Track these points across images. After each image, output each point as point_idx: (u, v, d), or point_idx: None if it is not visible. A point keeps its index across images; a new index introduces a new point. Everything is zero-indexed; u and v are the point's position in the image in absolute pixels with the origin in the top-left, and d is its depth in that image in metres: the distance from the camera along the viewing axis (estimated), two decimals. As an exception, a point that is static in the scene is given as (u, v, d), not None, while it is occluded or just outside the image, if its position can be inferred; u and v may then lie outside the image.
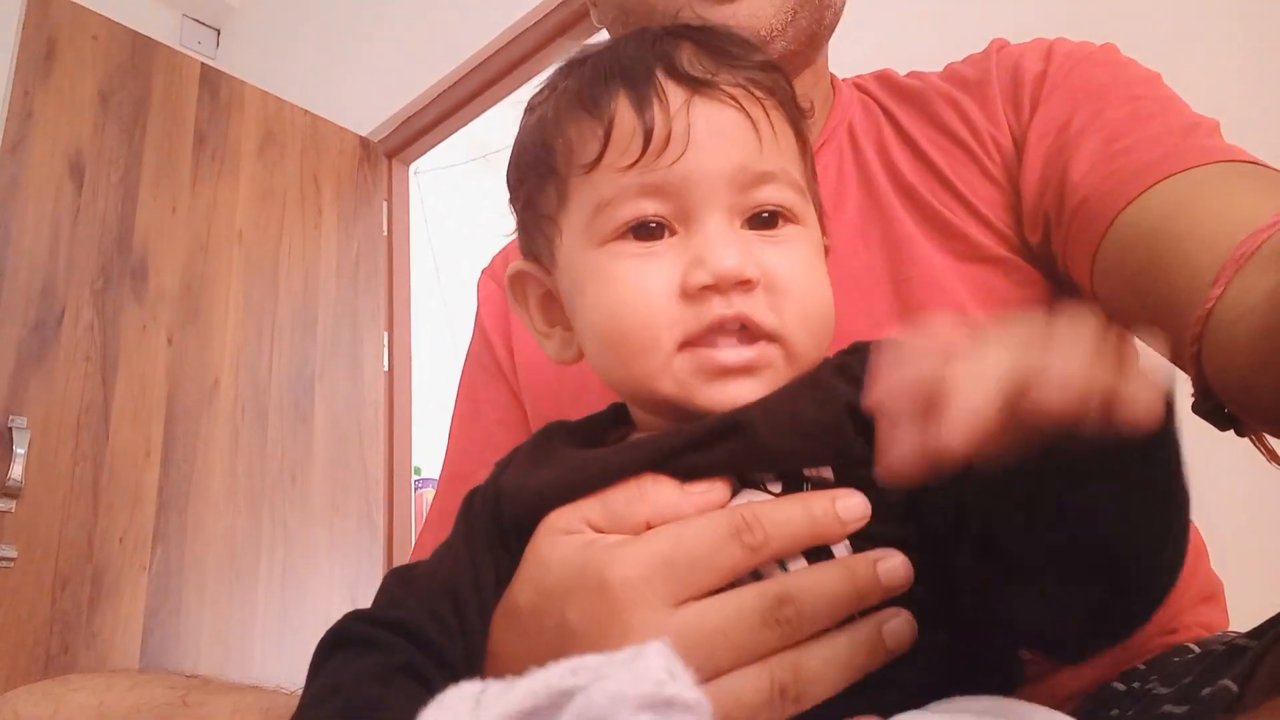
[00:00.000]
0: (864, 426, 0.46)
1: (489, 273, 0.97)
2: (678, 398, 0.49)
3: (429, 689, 0.43)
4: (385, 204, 3.21)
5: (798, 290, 0.49)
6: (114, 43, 2.60)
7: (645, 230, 0.50)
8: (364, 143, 3.18)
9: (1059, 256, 0.68)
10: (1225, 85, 1.37)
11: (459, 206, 4.53)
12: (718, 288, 0.47)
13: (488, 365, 0.91)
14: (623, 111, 0.50)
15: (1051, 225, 0.68)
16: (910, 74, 0.84)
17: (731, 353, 0.48)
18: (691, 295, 0.48)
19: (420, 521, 3.00)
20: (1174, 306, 0.56)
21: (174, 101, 2.69)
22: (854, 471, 0.47)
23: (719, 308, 0.47)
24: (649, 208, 0.50)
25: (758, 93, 0.51)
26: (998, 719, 0.41)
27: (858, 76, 0.86)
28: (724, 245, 0.48)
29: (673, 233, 0.50)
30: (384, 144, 3.22)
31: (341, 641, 0.47)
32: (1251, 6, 1.49)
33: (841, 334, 0.56)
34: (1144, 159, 0.63)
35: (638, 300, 0.49)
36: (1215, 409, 0.54)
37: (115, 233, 2.46)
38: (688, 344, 0.48)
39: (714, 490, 0.47)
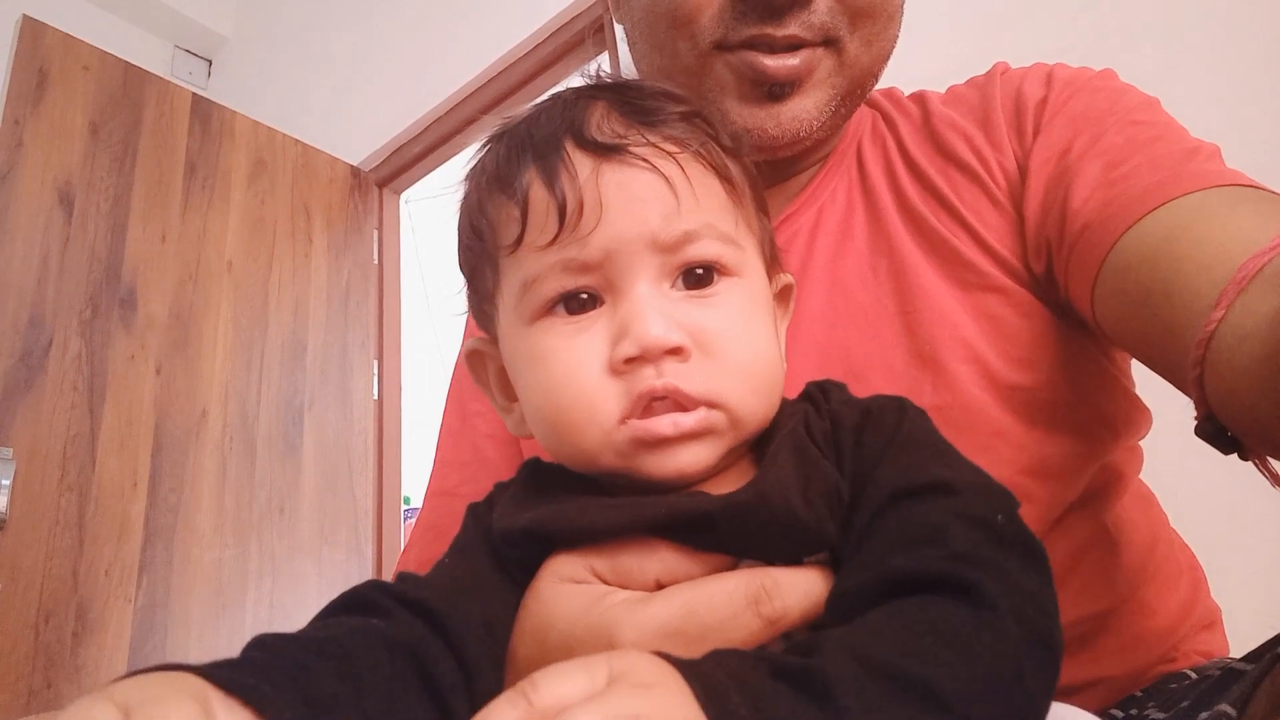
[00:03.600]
0: (841, 507, 0.46)
1: None
2: (622, 469, 0.47)
3: (430, 682, 0.42)
4: (376, 233, 3.21)
5: (733, 351, 0.48)
6: (105, 73, 2.60)
7: (575, 302, 0.49)
8: (355, 172, 3.19)
9: (1060, 283, 0.68)
10: (1223, 110, 1.38)
11: (450, 235, 4.53)
12: (645, 358, 0.46)
13: None
14: (535, 188, 0.49)
15: (1053, 252, 0.68)
16: (912, 96, 0.84)
17: (669, 422, 0.46)
18: (619, 369, 0.46)
19: (410, 552, 2.97)
20: (1175, 330, 0.55)
21: (165, 131, 2.70)
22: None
23: (649, 379, 0.46)
24: (572, 283, 0.48)
25: (671, 148, 0.49)
26: None
27: None
28: (648, 314, 0.46)
29: (601, 303, 0.49)
30: (375, 173, 3.23)
31: (352, 605, 0.45)
32: (1246, 31, 1.50)
33: (851, 366, 0.56)
34: (1144, 184, 0.63)
35: (570, 378, 0.48)
36: (1218, 432, 0.54)
37: (104, 262, 2.45)
38: (625, 417, 0.46)
39: (722, 557, 0.46)
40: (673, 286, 0.49)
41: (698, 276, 0.49)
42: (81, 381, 2.32)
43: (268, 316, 2.79)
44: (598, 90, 0.53)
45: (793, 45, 0.69)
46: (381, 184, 3.25)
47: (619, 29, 0.85)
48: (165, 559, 2.36)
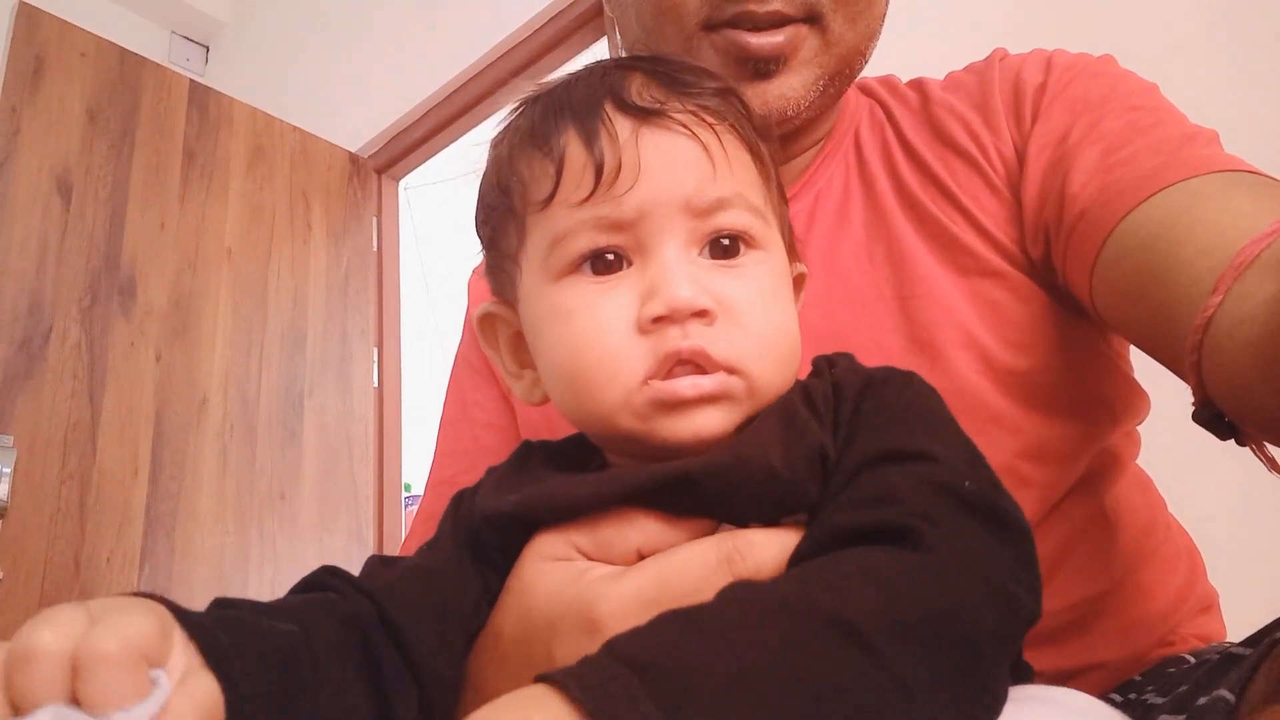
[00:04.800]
0: (827, 467, 0.46)
1: (480, 273, 0.94)
2: (639, 432, 0.47)
3: (370, 654, 0.43)
4: (375, 220, 3.20)
5: (756, 320, 0.48)
6: (102, 60, 2.59)
7: (602, 263, 0.49)
8: (353, 159, 3.18)
9: (1059, 269, 0.68)
10: (1222, 95, 1.38)
11: (449, 222, 4.53)
12: (673, 319, 0.46)
13: (476, 366, 0.90)
14: (572, 146, 0.49)
15: (1051, 237, 0.68)
16: (911, 83, 0.84)
17: (689, 384, 0.46)
18: (647, 328, 0.47)
19: (411, 539, 2.98)
20: (1173, 315, 0.55)
21: (162, 118, 2.69)
22: None
23: (675, 340, 0.46)
24: (603, 240, 0.49)
25: (709, 118, 0.50)
26: (1028, 702, 0.42)
27: (862, 79, 0.85)
28: (678, 276, 0.47)
29: (629, 264, 0.49)
30: (373, 160, 3.22)
31: (309, 585, 0.47)
32: (1246, 18, 1.50)
33: (847, 351, 0.56)
34: (1142, 169, 0.62)
35: (595, 336, 0.48)
36: (1216, 418, 0.54)
37: (103, 250, 2.44)
38: (648, 378, 0.47)
39: (701, 521, 0.47)
40: (700, 254, 0.49)
41: (724, 247, 0.50)
42: (81, 369, 2.32)
43: (267, 304, 2.79)
44: (635, 61, 0.54)
45: (776, 21, 0.69)
46: (380, 170, 3.25)
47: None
48: (166, 546, 2.37)
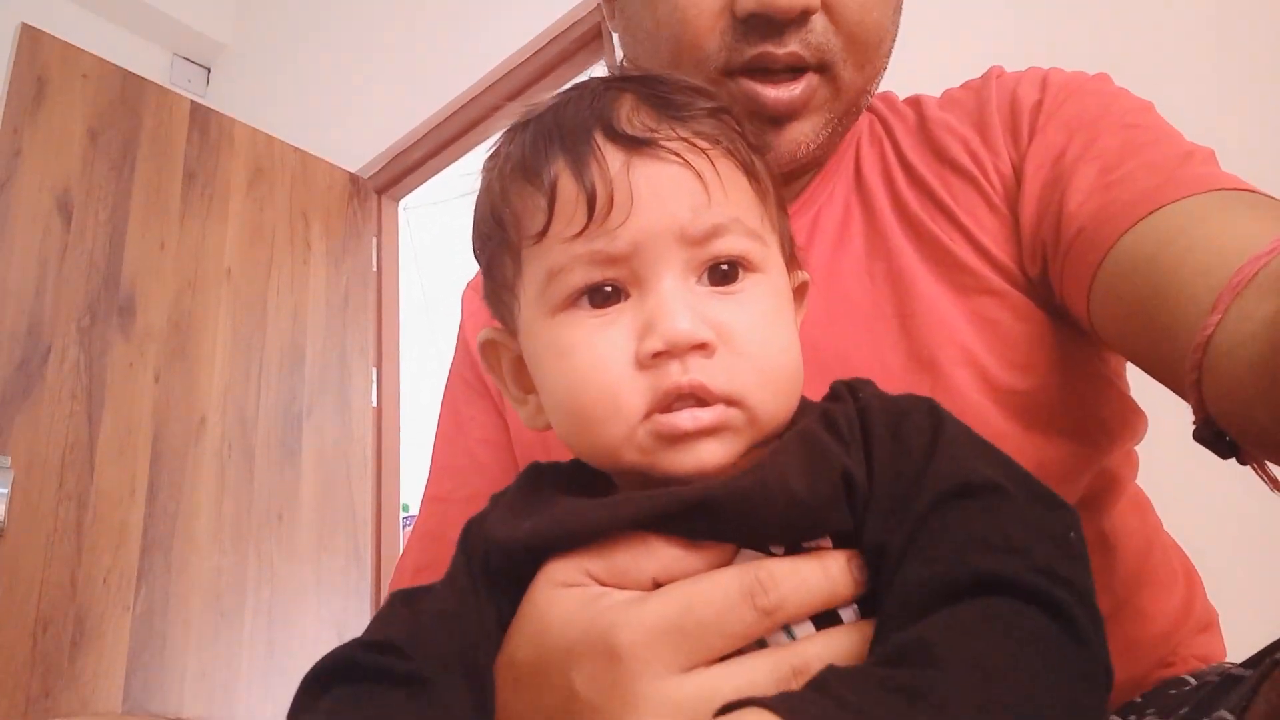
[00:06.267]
0: (854, 495, 0.46)
1: (474, 287, 0.95)
2: (642, 465, 0.47)
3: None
4: (374, 240, 3.21)
5: (756, 348, 0.48)
6: (104, 81, 2.60)
7: (600, 296, 0.49)
8: (353, 179, 3.19)
9: (1056, 288, 0.68)
10: (1219, 113, 1.39)
11: (448, 242, 4.54)
12: (671, 353, 0.46)
13: (471, 382, 0.90)
14: (563, 179, 0.49)
15: (1049, 256, 0.68)
16: (908, 100, 0.85)
17: (688, 417, 0.46)
18: (646, 364, 0.46)
19: (409, 559, 2.97)
20: (1172, 334, 0.55)
21: (163, 139, 2.69)
22: (850, 540, 0.46)
23: (675, 375, 0.46)
24: (599, 275, 0.48)
25: (701, 144, 0.50)
26: None
27: None
28: (675, 308, 0.46)
29: (627, 296, 0.49)
30: (373, 180, 3.23)
31: (341, 674, 0.46)
32: (1244, 35, 1.51)
33: (847, 370, 0.56)
34: (1139, 188, 0.63)
35: (595, 371, 0.48)
36: (1216, 436, 0.54)
37: (103, 270, 2.45)
38: (650, 412, 0.47)
39: (720, 547, 0.46)
40: (699, 282, 0.49)
41: (723, 273, 0.49)
42: (80, 389, 2.32)
43: (266, 324, 2.78)
44: (625, 82, 0.53)
45: (793, 66, 0.70)
46: (380, 191, 3.25)
47: (615, 37, 0.85)
48: (164, 567, 2.35)
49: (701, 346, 0.46)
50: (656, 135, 0.49)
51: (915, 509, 0.43)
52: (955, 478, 0.43)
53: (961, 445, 0.46)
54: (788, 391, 0.50)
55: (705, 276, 0.49)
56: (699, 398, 0.46)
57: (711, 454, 0.47)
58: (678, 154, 0.49)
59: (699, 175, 0.49)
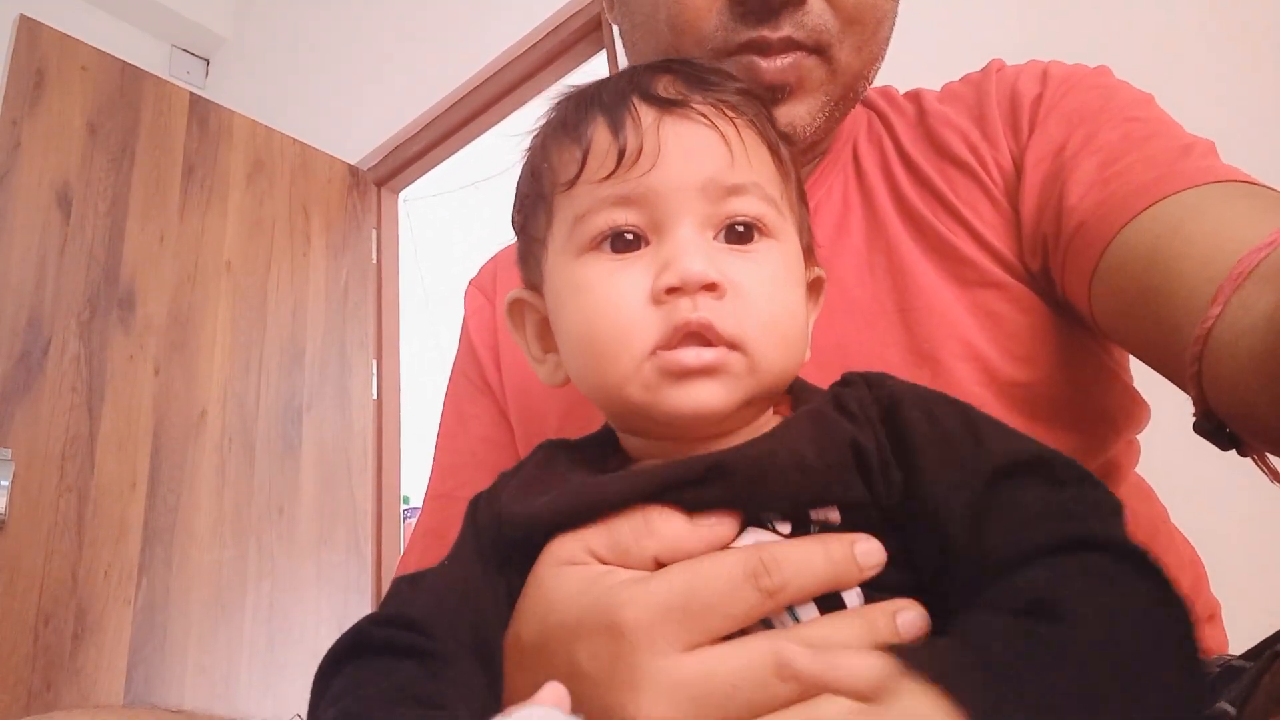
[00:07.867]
0: (865, 466, 0.47)
1: (476, 284, 0.95)
2: (644, 402, 0.49)
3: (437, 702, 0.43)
4: (374, 232, 3.21)
5: (763, 301, 0.50)
6: (103, 73, 2.60)
7: (621, 242, 0.51)
8: (353, 171, 3.19)
9: (1057, 280, 0.68)
10: (1219, 105, 1.38)
11: (448, 234, 4.54)
12: (684, 290, 0.48)
13: (474, 379, 0.90)
14: (599, 133, 0.52)
15: (1049, 249, 0.68)
16: (908, 94, 0.84)
17: (692, 354, 0.48)
18: (660, 299, 0.48)
19: (409, 552, 2.97)
20: (1173, 327, 0.55)
21: (163, 131, 2.69)
22: (859, 513, 0.47)
23: (685, 311, 0.48)
24: (622, 217, 0.51)
25: (729, 112, 0.53)
26: None
27: None
28: (692, 251, 0.49)
29: (647, 243, 0.51)
30: (373, 172, 3.23)
31: (354, 650, 0.47)
32: (1242, 27, 1.50)
33: (848, 363, 0.56)
34: (1139, 181, 0.62)
35: (610, 307, 0.50)
36: (1217, 429, 0.54)
37: (102, 263, 2.45)
38: (657, 347, 0.48)
39: (722, 525, 0.47)
40: (715, 237, 0.51)
41: (739, 233, 0.52)
42: (80, 383, 2.32)
43: (266, 317, 2.78)
44: (665, 63, 0.57)
45: (787, 47, 0.71)
46: (380, 183, 3.25)
47: (615, 28, 0.85)
48: (164, 560, 2.36)
49: (713, 287, 0.48)
50: (688, 99, 0.52)
51: (975, 483, 0.44)
52: (1008, 455, 0.45)
53: (998, 426, 0.48)
54: (789, 347, 0.52)
55: (722, 235, 0.51)
56: (704, 337, 0.48)
57: (710, 394, 0.48)
58: (706, 116, 0.52)
59: (725, 138, 0.52)
